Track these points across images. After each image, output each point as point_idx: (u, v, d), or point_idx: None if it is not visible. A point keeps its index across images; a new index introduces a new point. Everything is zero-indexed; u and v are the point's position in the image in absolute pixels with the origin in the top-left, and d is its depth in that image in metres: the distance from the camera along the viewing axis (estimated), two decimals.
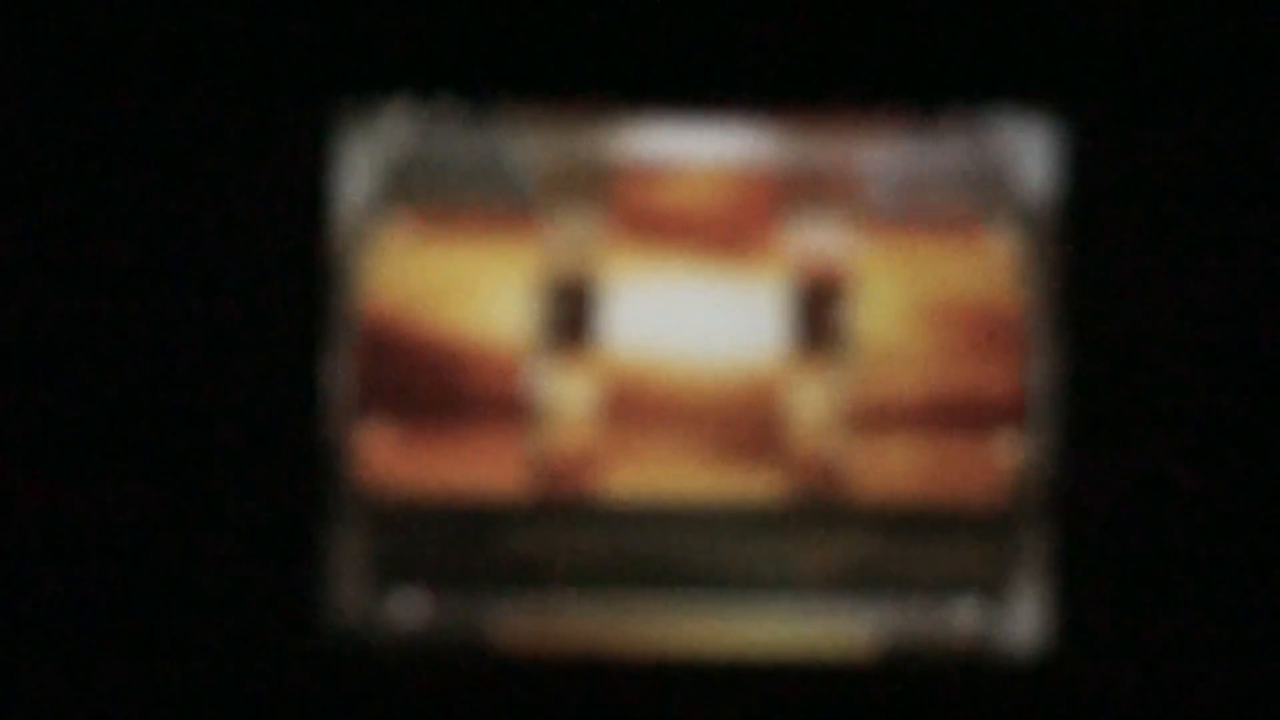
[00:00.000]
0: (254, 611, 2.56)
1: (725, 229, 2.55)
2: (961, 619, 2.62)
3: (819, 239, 2.66)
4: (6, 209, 2.55)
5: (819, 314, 2.61)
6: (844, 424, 2.58)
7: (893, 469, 2.57)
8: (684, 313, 2.51)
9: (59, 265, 2.56)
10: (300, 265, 2.58)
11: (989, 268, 2.61)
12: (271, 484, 2.57)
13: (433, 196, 2.64)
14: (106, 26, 2.56)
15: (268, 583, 2.57)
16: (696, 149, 2.67)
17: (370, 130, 2.62)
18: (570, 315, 2.61)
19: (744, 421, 2.48)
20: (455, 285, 2.56)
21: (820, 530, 2.60)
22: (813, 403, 2.60)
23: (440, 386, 2.52)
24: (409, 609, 2.62)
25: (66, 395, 2.56)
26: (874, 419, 2.55)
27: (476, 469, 2.54)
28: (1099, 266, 2.61)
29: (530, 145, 2.67)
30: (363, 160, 2.57)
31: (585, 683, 2.60)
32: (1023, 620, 2.61)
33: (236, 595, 2.57)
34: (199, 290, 2.56)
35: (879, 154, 2.66)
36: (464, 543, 2.60)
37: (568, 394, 2.61)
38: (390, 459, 2.58)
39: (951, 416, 2.59)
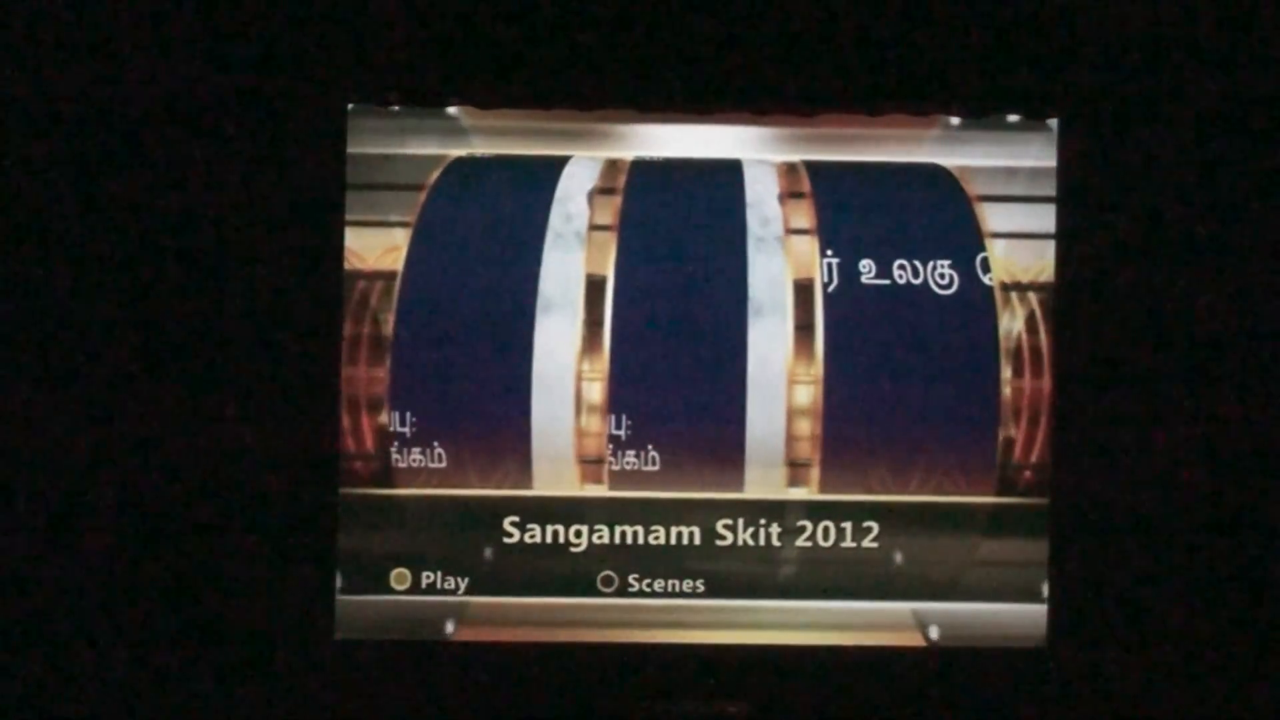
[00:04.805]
0: (266, 606, 2.57)
1: None
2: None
3: None
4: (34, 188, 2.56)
5: None
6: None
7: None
8: None
9: (63, 276, 2.57)
10: (317, 273, 2.60)
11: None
12: (284, 481, 2.58)
13: None
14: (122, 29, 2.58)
15: (279, 579, 2.58)
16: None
17: None
18: None
19: None
20: None
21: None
22: None
23: None
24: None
25: (80, 389, 2.57)
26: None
27: None
28: (1092, 263, 2.65)
29: None
30: None
31: (595, 673, 2.62)
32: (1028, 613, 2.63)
33: (249, 591, 2.57)
34: (216, 289, 2.58)
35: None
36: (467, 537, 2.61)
37: None
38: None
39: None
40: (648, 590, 2.62)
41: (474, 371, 2.61)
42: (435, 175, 2.64)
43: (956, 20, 2.63)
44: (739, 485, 2.62)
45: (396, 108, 2.64)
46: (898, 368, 2.62)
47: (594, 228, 2.65)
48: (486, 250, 2.63)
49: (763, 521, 2.62)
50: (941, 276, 2.63)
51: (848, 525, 2.62)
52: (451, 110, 2.65)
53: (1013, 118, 2.65)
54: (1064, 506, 2.62)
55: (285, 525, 2.58)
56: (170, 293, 2.58)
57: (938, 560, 2.63)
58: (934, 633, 2.63)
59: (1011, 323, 2.63)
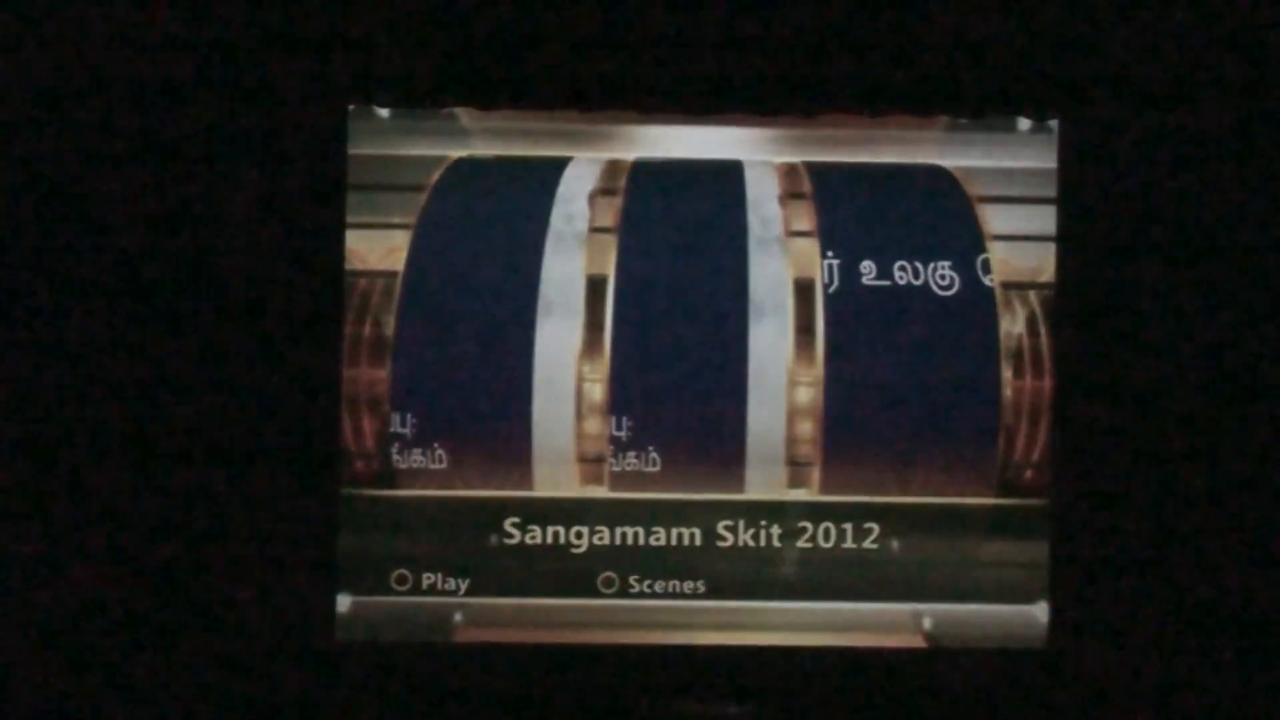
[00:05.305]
0: (266, 607, 2.58)
1: None
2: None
3: None
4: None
5: None
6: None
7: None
8: None
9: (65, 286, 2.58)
10: (317, 273, 2.60)
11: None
12: (284, 481, 2.58)
13: None
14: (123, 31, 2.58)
15: (280, 579, 2.58)
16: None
17: None
18: None
19: None
20: None
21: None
22: None
23: None
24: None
25: (81, 396, 2.57)
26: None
27: None
28: (1092, 264, 2.65)
29: None
30: None
31: (595, 674, 2.62)
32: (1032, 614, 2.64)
33: (248, 591, 2.57)
34: (217, 290, 2.58)
35: None
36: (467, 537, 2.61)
37: None
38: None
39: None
40: (648, 591, 2.62)
41: (475, 372, 2.61)
42: (436, 176, 2.64)
43: (957, 21, 2.63)
44: (740, 486, 2.62)
45: (397, 109, 2.64)
46: (899, 369, 2.62)
47: (595, 229, 2.65)
48: (487, 251, 2.63)
49: (763, 522, 2.62)
50: (942, 278, 2.63)
51: (848, 526, 2.62)
52: (452, 111, 2.65)
53: (1014, 119, 2.66)
54: (1064, 507, 2.62)
55: (285, 525, 2.58)
56: (170, 294, 2.58)
57: (938, 561, 2.63)
58: (934, 634, 2.63)
59: (1012, 324, 2.64)
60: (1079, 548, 2.62)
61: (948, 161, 2.66)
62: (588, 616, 2.62)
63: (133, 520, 2.56)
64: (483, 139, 2.65)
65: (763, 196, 2.67)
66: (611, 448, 2.62)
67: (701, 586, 2.63)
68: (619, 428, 2.61)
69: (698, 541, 2.62)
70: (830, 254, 2.64)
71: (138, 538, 2.56)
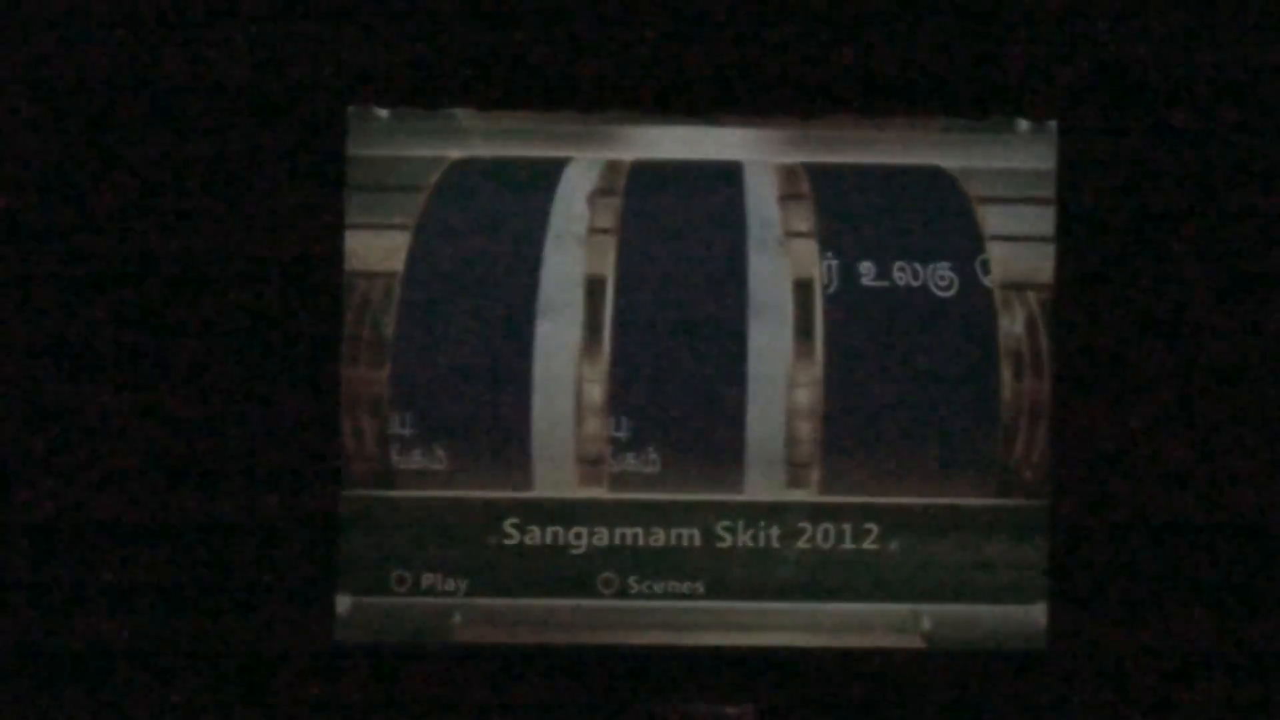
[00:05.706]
0: (266, 608, 2.58)
1: None
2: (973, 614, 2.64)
3: None
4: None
5: None
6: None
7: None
8: None
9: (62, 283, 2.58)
10: (317, 274, 2.60)
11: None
12: (284, 482, 2.59)
13: None
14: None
15: (279, 580, 2.58)
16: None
17: None
18: None
19: None
20: None
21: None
22: None
23: None
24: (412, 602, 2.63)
25: (81, 395, 2.57)
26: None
27: None
28: (1092, 264, 2.65)
29: None
30: None
31: (594, 675, 2.62)
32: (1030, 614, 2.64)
33: (248, 593, 2.57)
34: (216, 291, 2.58)
35: None
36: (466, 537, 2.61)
37: None
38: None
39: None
40: (648, 592, 2.62)
41: (474, 373, 2.61)
42: (436, 177, 2.65)
43: (956, 22, 2.63)
44: (739, 487, 2.62)
45: (397, 109, 2.64)
46: (898, 370, 2.63)
47: (594, 229, 2.65)
48: (487, 252, 2.63)
49: (762, 523, 2.62)
50: (941, 279, 2.63)
51: (848, 527, 2.62)
52: (452, 111, 2.65)
53: (1013, 119, 2.66)
54: (1064, 507, 2.63)
55: (285, 525, 2.58)
56: (170, 294, 2.58)
57: (937, 562, 2.63)
58: (933, 634, 2.63)
59: (1012, 324, 2.64)
60: (1079, 548, 2.62)
61: (947, 162, 2.66)
62: (587, 617, 2.62)
63: (132, 521, 2.56)
64: (483, 139, 2.65)
65: (762, 197, 2.67)
66: (611, 448, 2.62)
67: (701, 587, 2.63)
68: (619, 428, 2.62)
69: (697, 542, 2.62)
70: (829, 254, 2.65)
71: (137, 538, 2.56)
